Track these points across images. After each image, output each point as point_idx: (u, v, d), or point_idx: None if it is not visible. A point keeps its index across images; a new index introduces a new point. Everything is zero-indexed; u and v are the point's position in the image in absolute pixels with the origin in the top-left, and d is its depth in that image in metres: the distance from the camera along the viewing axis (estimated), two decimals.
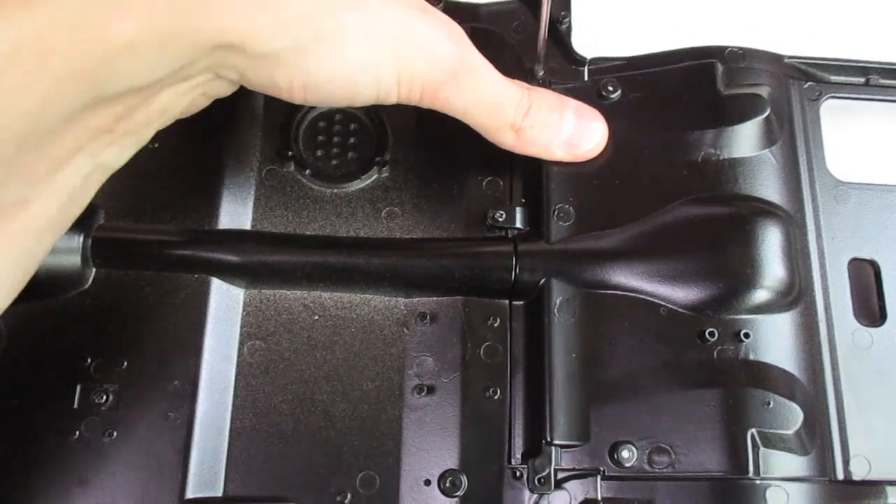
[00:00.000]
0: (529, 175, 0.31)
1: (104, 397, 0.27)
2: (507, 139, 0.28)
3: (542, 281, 0.29)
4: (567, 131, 0.29)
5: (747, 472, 0.25)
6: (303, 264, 0.29)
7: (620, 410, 0.27)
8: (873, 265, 0.29)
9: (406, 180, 0.31)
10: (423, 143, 0.32)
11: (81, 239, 0.28)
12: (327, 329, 0.29)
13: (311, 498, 0.27)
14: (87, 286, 0.28)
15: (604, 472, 0.27)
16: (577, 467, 0.27)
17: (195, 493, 0.27)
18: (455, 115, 0.27)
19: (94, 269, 0.29)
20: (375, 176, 0.31)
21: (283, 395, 0.28)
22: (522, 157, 0.31)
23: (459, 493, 0.27)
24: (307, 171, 0.31)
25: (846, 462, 0.27)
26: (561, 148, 0.29)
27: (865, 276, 0.29)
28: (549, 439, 0.27)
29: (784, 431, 0.26)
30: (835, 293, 0.29)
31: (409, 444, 0.28)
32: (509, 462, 0.28)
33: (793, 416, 0.26)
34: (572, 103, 0.29)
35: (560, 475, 0.27)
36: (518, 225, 0.30)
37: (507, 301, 0.30)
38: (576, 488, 0.27)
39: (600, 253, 0.29)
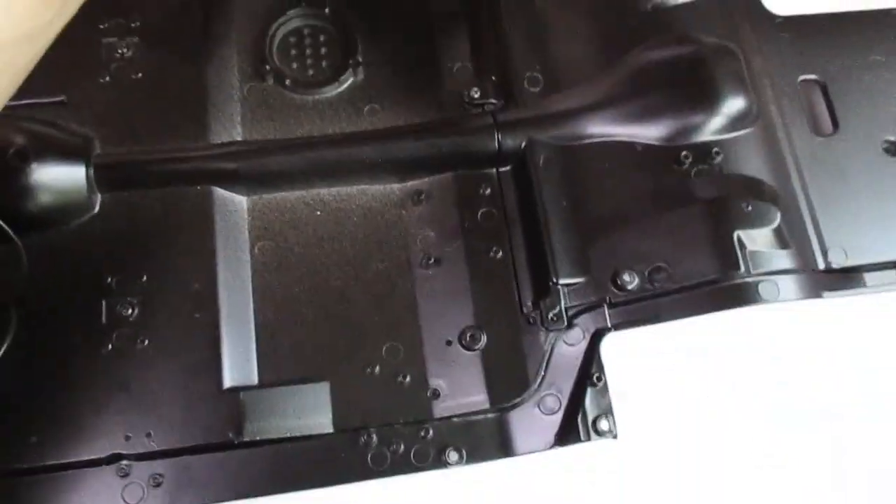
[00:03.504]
0: (495, 52, 0.32)
1: (130, 309, 0.28)
2: None
3: (524, 144, 0.31)
4: None
5: (738, 269, 0.28)
6: (299, 163, 0.31)
7: (615, 243, 0.29)
8: (820, 83, 0.32)
9: (381, 78, 0.33)
10: (391, 41, 0.33)
11: (83, 168, 0.29)
12: (331, 221, 0.31)
13: (342, 375, 0.29)
14: (95, 211, 0.30)
15: (609, 300, 0.29)
16: (584, 301, 0.29)
17: (232, 383, 0.28)
18: None
19: (99, 195, 0.30)
20: (351, 79, 0.33)
21: (299, 286, 0.30)
22: (485, 38, 0.33)
23: (480, 346, 0.29)
24: (287, 82, 0.32)
25: (825, 253, 0.29)
26: None
27: (816, 94, 0.32)
28: (554, 280, 0.29)
29: (765, 229, 0.28)
30: (790, 110, 0.31)
31: (425, 312, 0.30)
32: (521, 311, 0.30)
33: (770, 215, 0.28)
34: None
35: (570, 312, 0.29)
36: (493, 99, 0.32)
37: (494, 170, 0.31)
38: (587, 323, 0.29)
39: (573, 108, 0.31)
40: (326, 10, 0.34)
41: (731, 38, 0.31)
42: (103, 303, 0.28)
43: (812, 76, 0.32)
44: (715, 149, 0.29)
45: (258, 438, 0.27)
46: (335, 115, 0.32)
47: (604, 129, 0.31)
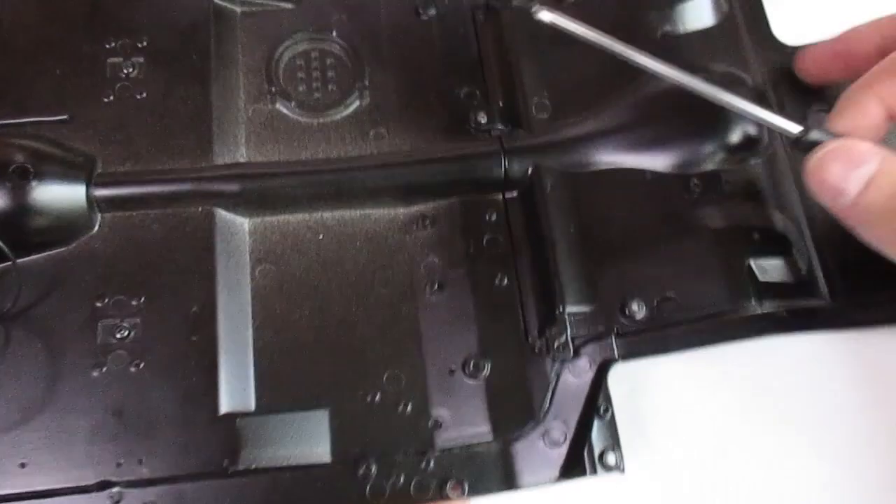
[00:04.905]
0: (502, 78, 0.32)
1: (126, 332, 0.28)
2: None
3: (531, 170, 0.30)
4: None
5: (749, 299, 0.27)
6: (302, 186, 0.30)
7: (623, 271, 0.29)
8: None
9: (387, 103, 0.33)
10: (397, 66, 0.33)
11: (84, 187, 0.29)
12: (333, 245, 0.30)
13: (341, 403, 0.28)
14: (94, 230, 0.29)
15: (617, 329, 0.28)
16: (591, 331, 0.28)
17: (228, 409, 0.27)
18: None
19: (99, 214, 0.29)
20: (357, 102, 0.33)
21: (299, 311, 0.29)
22: (493, 63, 0.33)
23: (483, 375, 0.28)
24: (292, 105, 0.32)
25: (833, 285, 0.28)
26: None
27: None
28: (561, 309, 0.28)
29: (777, 259, 0.27)
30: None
31: (428, 339, 0.29)
32: (527, 339, 0.29)
33: (781, 244, 0.28)
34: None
35: (577, 342, 0.28)
36: (500, 125, 0.32)
37: (500, 195, 0.31)
38: (594, 353, 0.28)
39: (581, 135, 0.31)
40: (334, 34, 0.33)
41: (740, 67, 0.31)
42: (99, 324, 0.28)
43: (823, 106, 0.32)
44: (725, 177, 0.29)
45: (254, 467, 0.26)
46: (340, 139, 0.32)
47: (612, 156, 0.30)
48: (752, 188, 0.29)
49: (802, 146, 0.26)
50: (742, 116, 0.29)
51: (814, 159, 0.26)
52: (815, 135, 0.26)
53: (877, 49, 0.29)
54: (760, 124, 0.29)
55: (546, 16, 0.28)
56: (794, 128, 0.26)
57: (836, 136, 0.26)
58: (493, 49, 0.33)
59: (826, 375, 0.29)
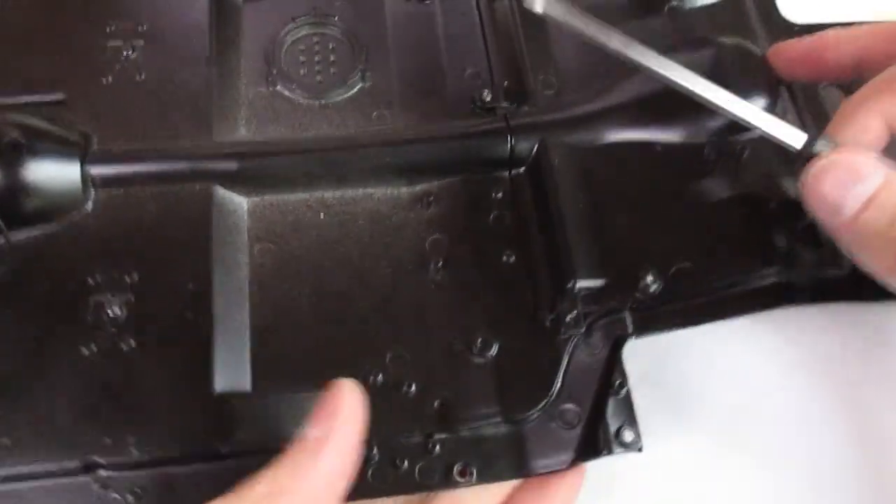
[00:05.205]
0: (507, 55, 0.32)
1: (118, 308, 0.27)
2: None
3: (538, 145, 0.29)
4: None
5: (770, 267, 0.26)
6: (303, 164, 0.29)
7: (636, 243, 0.28)
8: (843, 89, 0.31)
9: (390, 84, 0.32)
10: (400, 47, 0.33)
11: (78, 163, 0.28)
12: (335, 224, 0.29)
13: None
14: (88, 207, 0.28)
15: (631, 304, 0.27)
16: (603, 306, 0.27)
17: (223, 388, 0.26)
18: None
19: (93, 191, 0.28)
20: (360, 84, 0.32)
21: (299, 290, 0.28)
22: (497, 43, 0.32)
23: (491, 354, 0.27)
24: (293, 87, 0.32)
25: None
26: None
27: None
28: (572, 283, 0.27)
29: (799, 223, 0.26)
30: (811, 116, 0.30)
31: (433, 318, 0.28)
32: (536, 317, 0.28)
33: (800, 212, 0.27)
34: None
35: (589, 318, 0.27)
36: (505, 102, 0.31)
37: (507, 172, 0.30)
38: (607, 328, 0.27)
39: (589, 111, 0.30)
40: (336, 18, 0.33)
41: (749, 40, 0.31)
42: (89, 300, 0.27)
43: (832, 84, 0.31)
44: (739, 146, 0.28)
45: (248, 449, 0.25)
46: (342, 121, 0.31)
47: (620, 131, 0.29)
48: (769, 154, 0.28)
49: (806, 157, 0.24)
50: (754, 84, 0.28)
51: (812, 170, 0.23)
52: (819, 146, 0.24)
53: (851, 59, 0.27)
54: (771, 92, 0.29)
55: (538, 5, 0.26)
56: (797, 139, 0.24)
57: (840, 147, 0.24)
58: (498, 26, 0.33)
59: (846, 348, 0.27)
